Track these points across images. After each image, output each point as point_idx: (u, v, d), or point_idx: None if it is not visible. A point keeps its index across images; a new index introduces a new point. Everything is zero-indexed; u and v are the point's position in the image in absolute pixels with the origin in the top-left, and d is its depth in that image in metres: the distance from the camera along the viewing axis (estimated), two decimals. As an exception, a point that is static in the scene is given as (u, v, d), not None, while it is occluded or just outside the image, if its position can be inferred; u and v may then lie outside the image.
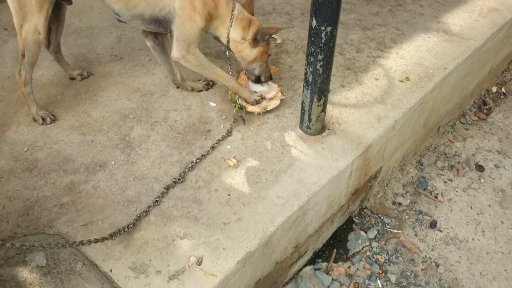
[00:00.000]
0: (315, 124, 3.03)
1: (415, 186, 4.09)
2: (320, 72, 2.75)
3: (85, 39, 4.01)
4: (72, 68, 3.51)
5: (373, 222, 3.70)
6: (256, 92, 3.22)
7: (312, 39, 2.63)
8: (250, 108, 3.18)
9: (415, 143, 4.00)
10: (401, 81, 3.60)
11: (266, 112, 3.20)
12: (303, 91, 2.93)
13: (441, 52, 3.93)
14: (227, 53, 3.18)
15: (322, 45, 2.62)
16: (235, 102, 3.15)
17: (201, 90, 3.44)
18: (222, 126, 3.16)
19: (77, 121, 3.16)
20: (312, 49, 2.67)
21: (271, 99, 3.25)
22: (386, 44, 4.02)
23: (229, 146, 3.01)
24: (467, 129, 4.63)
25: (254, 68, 3.17)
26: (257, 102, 3.17)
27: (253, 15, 3.14)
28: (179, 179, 2.71)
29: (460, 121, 4.72)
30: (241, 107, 3.16)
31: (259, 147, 2.99)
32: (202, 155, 2.90)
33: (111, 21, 4.22)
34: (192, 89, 3.43)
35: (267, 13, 4.44)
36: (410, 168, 4.20)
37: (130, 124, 3.16)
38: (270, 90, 3.31)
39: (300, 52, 3.89)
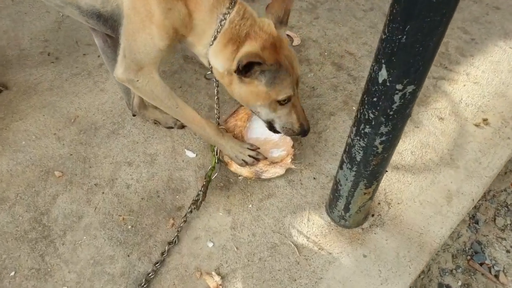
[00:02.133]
0: (354, 216, 1.85)
1: (468, 258, 2.96)
2: (379, 150, 1.53)
3: (7, 21, 2.67)
4: (-26, 78, 2.24)
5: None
6: (250, 146, 1.99)
7: (374, 99, 1.39)
8: (235, 167, 1.98)
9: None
10: (477, 125, 2.38)
11: (260, 179, 2.00)
12: (341, 168, 1.72)
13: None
14: (215, 84, 1.92)
15: (391, 113, 1.39)
16: (214, 151, 1.96)
17: (171, 127, 2.19)
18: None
19: (-33, 179, 1.93)
20: (371, 115, 1.44)
21: (272, 163, 2.01)
22: (450, 57, 2.74)
23: (210, 244, 1.82)
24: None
25: (259, 112, 1.89)
26: (246, 164, 1.95)
27: (287, 20, 1.81)
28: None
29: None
30: (220, 161, 1.95)
31: (260, 248, 1.82)
32: (163, 261, 1.72)
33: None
34: (157, 123, 2.19)
35: (280, -7, 3.08)
36: (461, 229, 3.05)
37: (54, 189, 1.95)
38: (278, 143, 2.07)
39: (328, 62, 2.61)
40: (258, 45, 1.66)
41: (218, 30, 1.66)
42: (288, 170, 2.06)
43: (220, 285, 1.71)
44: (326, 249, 1.84)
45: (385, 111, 1.40)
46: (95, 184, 1.98)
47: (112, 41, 1.98)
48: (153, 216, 1.90)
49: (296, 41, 2.71)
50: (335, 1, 3.06)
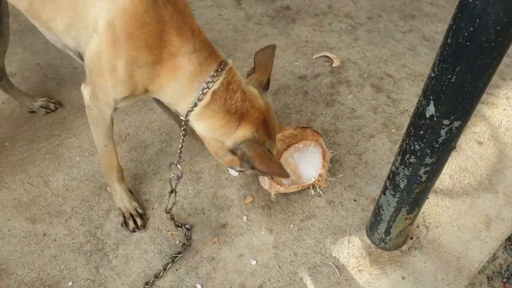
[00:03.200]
0: (394, 239, 1.90)
1: (505, 280, 2.95)
2: (423, 180, 1.58)
3: (62, 41, 2.82)
4: (32, 96, 2.37)
5: None
6: (139, 207, 2.02)
7: (421, 132, 1.45)
8: (260, 179, 2.07)
9: None
10: (517, 149, 2.39)
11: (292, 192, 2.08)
12: (384, 194, 1.77)
13: None
14: (181, 137, 1.73)
15: (437, 145, 1.45)
16: None
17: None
18: (245, 219, 2.04)
19: (27, 193, 2.07)
20: (417, 146, 1.49)
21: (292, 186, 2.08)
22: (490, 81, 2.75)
23: (253, 262, 1.90)
24: None
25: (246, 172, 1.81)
26: (123, 219, 1.99)
27: (268, 86, 1.74)
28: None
29: None
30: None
31: (302, 268, 1.89)
32: (208, 277, 1.81)
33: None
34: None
35: (321, 14, 3.17)
36: (497, 251, 3.04)
37: (107, 204, 2.06)
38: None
39: (367, 84, 2.67)
40: (253, 126, 1.58)
41: (199, 98, 1.52)
42: (329, 192, 2.13)
43: (263, 302, 1.78)
44: (366, 271, 1.90)
45: (431, 144, 1.46)
46: (145, 200, 2.08)
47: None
48: (199, 233, 1.99)
49: (336, 63, 2.77)
50: (374, 23, 3.11)
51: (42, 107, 2.36)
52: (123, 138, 2.32)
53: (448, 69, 1.26)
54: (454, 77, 1.26)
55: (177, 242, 1.95)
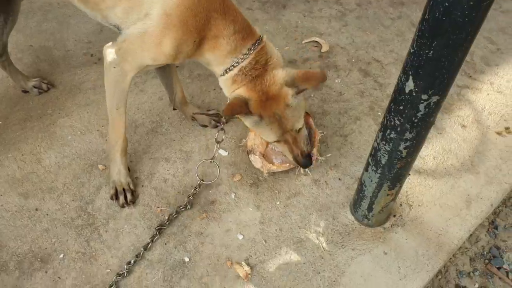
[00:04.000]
0: (377, 215, 1.96)
1: (486, 261, 3.03)
2: (403, 155, 1.64)
3: (54, 23, 2.86)
4: (26, 75, 2.41)
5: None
6: (131, 184, 2.09)
7: (400, 107, 1.51)
8: (252, 159, 2.14)
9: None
10: (499, 133, 2.46)
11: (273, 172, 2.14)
12: (367, 170, 1.83)
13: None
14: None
15: (416, 120, 1.50)
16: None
17: (206, 126, 2.34)
18: (233, 196, 2.09)
19: (20, 169, 2.12)
20: (397, 121, 1.55)
21: (282, 165, 2.18)
22: (475, 66, 2.82)
23: (240, 237, 1.96)
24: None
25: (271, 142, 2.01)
26: (115, 194, 2.05)
27: (301, 92, 1.83)
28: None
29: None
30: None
31: (287, 242, 1.95)
32: (196, 250, 1.87)
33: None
34: (194, 119, 2.34)
35: (311, 0, 3.21)
36: (480, 233, 3.11)
37: (98, 181, 2.11)
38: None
39: (355, 69, 2.72)
40: (250, 94, 1.77)
41: (230, 69, 1.78)
42: (314, 171, 2.19)
43: (249, 274, 1.84)
44: (349, 246, 1.96)
45: (410, 119, 1.51)
46: (135, 178, 2.13)
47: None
48: (188, 209, 2.04)
49: (325, 48, 2.82)
50: (363, 9, 3.16)
51: (35, 87, 2.39)
52: (114, 117, 2.35)
53: (426, 44, 1.31)
54: (432, 51, 1.31)
55: (166, 218, 2.00)
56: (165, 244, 1.92)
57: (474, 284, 2.88)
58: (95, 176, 2.12)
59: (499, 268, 3.02)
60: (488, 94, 2.66)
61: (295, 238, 1.97)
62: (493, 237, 3.12)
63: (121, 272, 1.81)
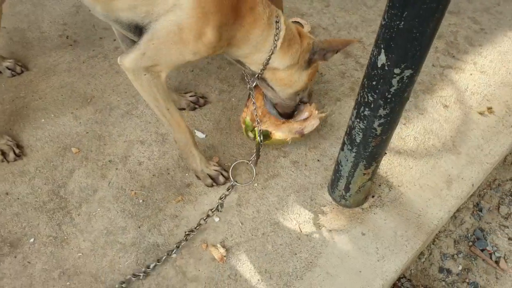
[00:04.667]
0: (354, 196, 1.93)
1: (470, 244, 3.03)
2: (378, 132, 1.61)
3: (28, 5, 2.78)
4: (2, 56, 2.35)
5: (412, 300, 2.68)
6: (215, 163, 2.09)
7: (373, 83, 1.47)
8: (279, 134, 2.09)
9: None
10: (481, 113, 2.43)
11: (297, 138, 2.11)
12: (342, 149, 1.80)
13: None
14: (250, 84, 2.02)
15: (389, 96, 1.47)
16: (253, 130, 2.07)
17: (183, 109, 2.29)
18: (210, 178, 2.05)
19: (-10, 153, 2.06)
20: (370, 98, 1.51)
21: (305, 119, 2.14)
22: (459, 46, 2.78)
23: (217, 219, 1.92)
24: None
25: (298, 96, 2.08)
26: (212, 179, 2.03)
27: (323, 58, 1.97)
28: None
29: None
30: (267, 135, 2.07)
31: (264, 224, 1.91)
32: (170, 233, 1.83)
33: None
34: (172, 105, 2.28)
35: (292, -18, 3.15)
36: (465, 216, 3.11)
37: (71, 164, 2.06)
38: (301, 111, 2.17)
39: (336, 50, 2.66)
40: (308, 35, 1.93)
41: (276, 40, 1.80)
42: (293, 152, 2.15)
43: (224, 256, 1.81)
44: (326, 227, 1.93)
45: (384, 94, 1.47)
46: (109, 161, 2.08)
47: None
48: (163, 192, 2.00)
49: (306, 28, 2.77)
50: (346, -9, 3.11)
51: (9, 69, 2.33)
52: (88, 100, 2.31)
53: (397, 14, 1.26)
54: (403, 23, 1.27)
55: (141, 201, 1.96)
56: (139, 227, 1.88)
57: (458, 266, 2.88)
58: (68, 159, 2.07)
59: (482, 250, 3.02)
60: (471, 74, 2.63)
61: (272, 219, 1.94)
62: (477, 219, 3.13)
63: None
